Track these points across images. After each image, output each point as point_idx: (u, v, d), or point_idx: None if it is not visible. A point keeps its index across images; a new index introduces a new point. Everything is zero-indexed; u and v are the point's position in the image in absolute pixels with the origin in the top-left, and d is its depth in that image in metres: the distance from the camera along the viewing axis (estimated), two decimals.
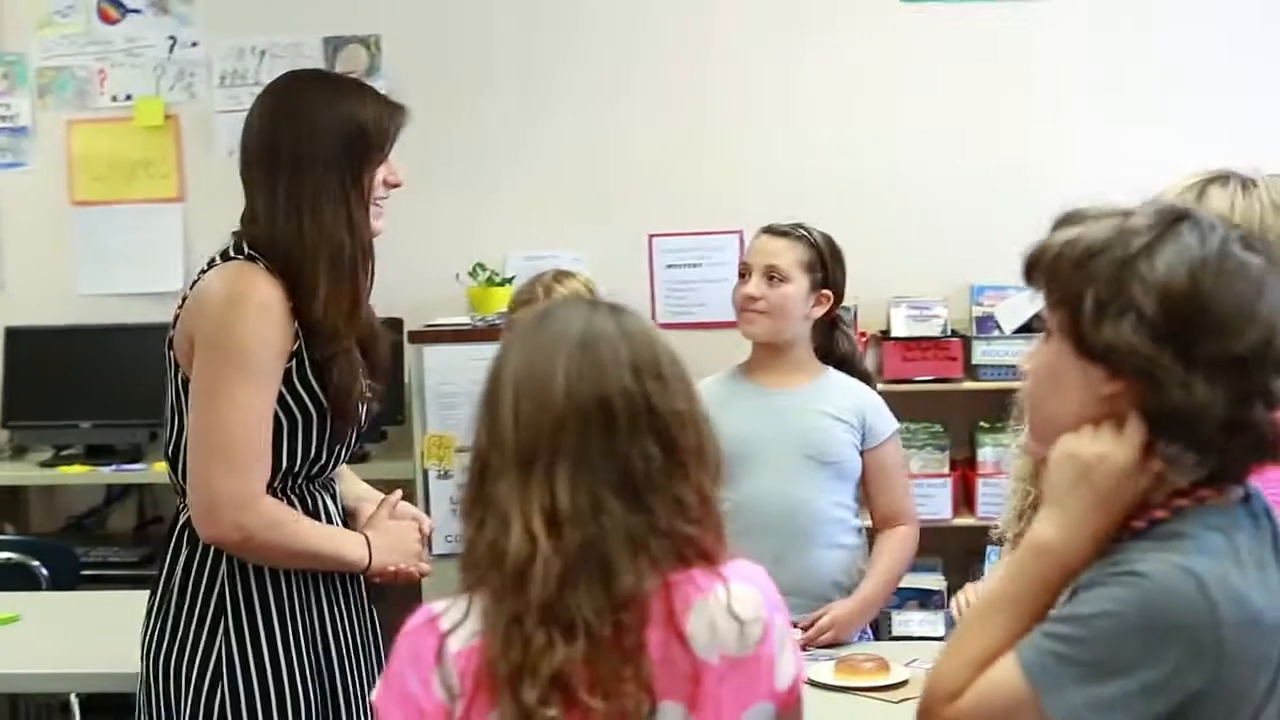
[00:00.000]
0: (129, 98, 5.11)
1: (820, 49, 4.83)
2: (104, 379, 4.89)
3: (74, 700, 4.27)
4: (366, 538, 2.57)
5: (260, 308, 2.44)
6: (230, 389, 2.40)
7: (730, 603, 1.64)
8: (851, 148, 4.80)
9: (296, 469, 2.50)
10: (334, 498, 2.62)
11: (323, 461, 2.53)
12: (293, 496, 2.52)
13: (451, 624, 1.61)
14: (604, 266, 4.45)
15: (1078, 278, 1.57)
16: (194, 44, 5.09)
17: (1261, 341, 1.53)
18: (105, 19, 5.12)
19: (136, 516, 5.05)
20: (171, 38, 5.09)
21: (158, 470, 4.73)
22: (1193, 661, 1.50)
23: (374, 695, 1.66)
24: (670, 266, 4.78)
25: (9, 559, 4.19)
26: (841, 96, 4.82)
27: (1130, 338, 1.53)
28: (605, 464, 1.62)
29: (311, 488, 2.56)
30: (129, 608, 3.67)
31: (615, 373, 1.65)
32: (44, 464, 4.86)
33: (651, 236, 4.80)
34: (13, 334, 4.95)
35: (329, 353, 2.48)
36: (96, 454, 4.84)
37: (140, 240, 5.11)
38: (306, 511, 2.53)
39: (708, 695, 1.62)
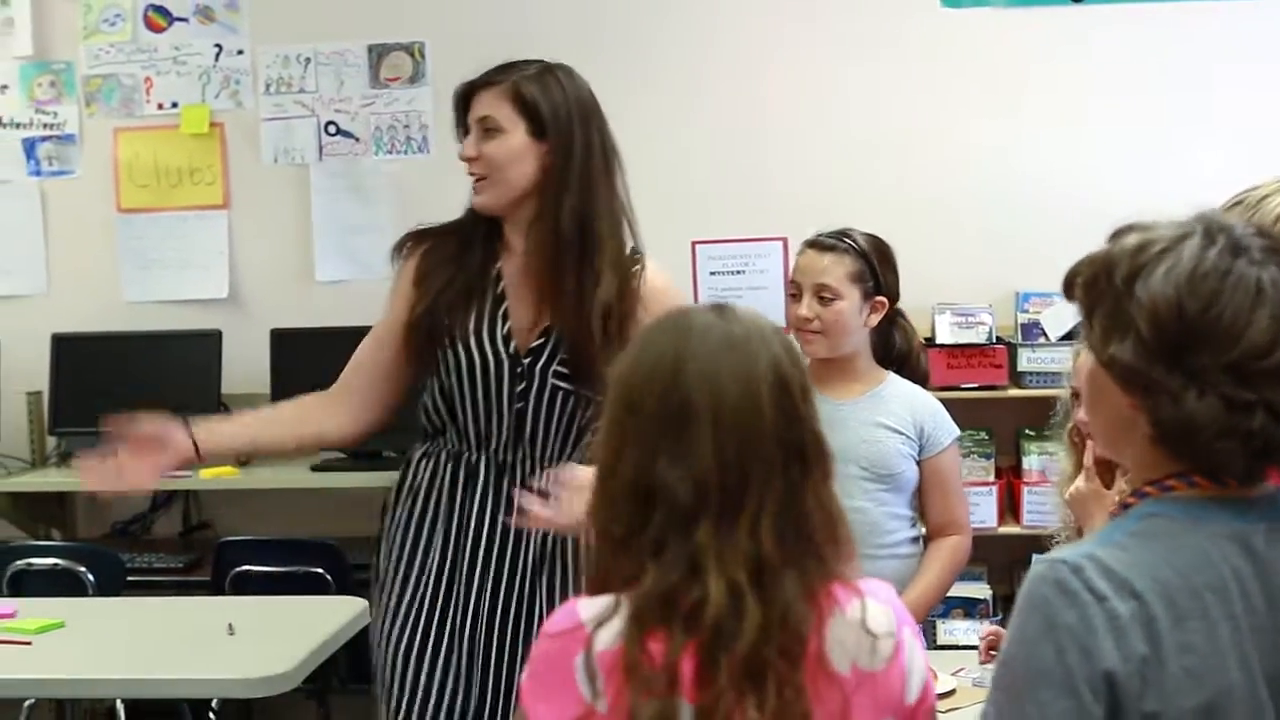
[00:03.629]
0: (175, 105, 5.13)
1: (865, 54, 4.81)
2: (150, 386, 4.90)
3: (120, 706, 4.30)
4: None
5: None
6: None
7: (865, 618, 1.63)
8: (896, 154, 4.78)
9: None
10: None
11: None
12: None
13: (597, 624, 1.60)
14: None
15: (1091, 296, 1.60)
16: (239, 52, 5.11)
17: (1257, 350, 1.52)
18: (152, 27, 5.14)
19: (182, 523, 5.07)
20: (217, 45, 5.11)
21: (203, 477, 4.74)
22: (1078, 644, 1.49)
23: (521, 692, 1.65)
24: (714, 274, 4.76)
25: (56, 565, 4.22)
26: (886, 102, 4.79)
27: (1128, 356, 1.55)
28: (795, 503, 1.63)
29: None
30: (174, 614, 3.72)
31: (799, 404, 1.66)
32: None
33: (695, 243, 4.79)
34: (60, 340, 4.97)
35: None
36: None
37: (185, 247, 5.13)
38: None
39: (841, 708, 1.61)
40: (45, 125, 5.18)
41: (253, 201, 5.10)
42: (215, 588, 4.23)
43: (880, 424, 3.15)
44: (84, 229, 5.17)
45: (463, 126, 2.83)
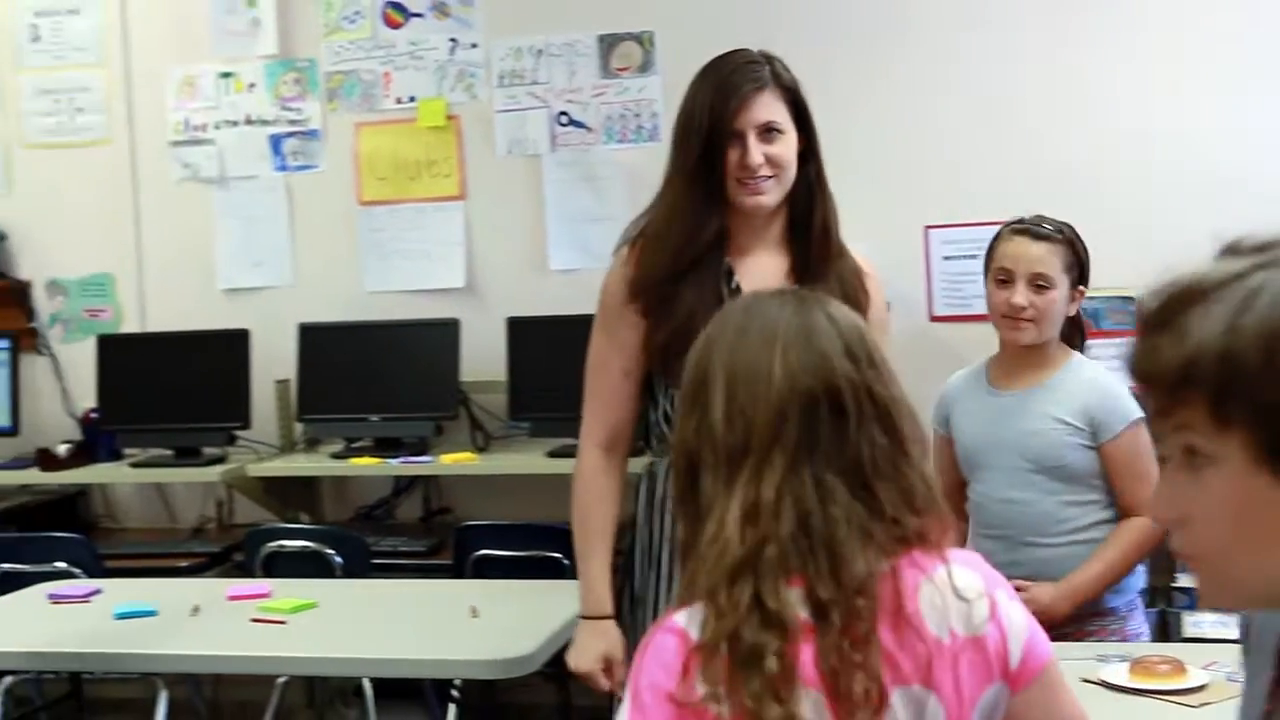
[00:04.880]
0: (412, 99, 5.25)
1: (1097, 40, 4.71)
2: (391, 374, 5.04)
3: (367, 684, 4.43)
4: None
5: None
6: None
7: (953, 583, 1.62)
8: (1127, 141, 4.67)
9: None
10: None
11: None
12: None
13: (699, 628, 1.58)
14: (879, 258, 4.41)
15: (1271, 376, 1.12)
16: (473, 45, 5.21)
17: None
18: (389, 24, 5.28)
19: (423, 507, 5.20)
20: (452, 40, 5.22)
21: (444, 462, 4.88)
22: None
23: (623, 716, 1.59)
24: (948, 258, 4.71)
25: (305, 547, 4.36)
26: (1116, 90, 4.69)
27: None
28: (835, 453, 1.60)
29: None
30: (419, 596, 3.82)
31: (836, 361, 1.63)
32: (335, 455, 5.03)
33: (927, 228, 4.74)
34: (306, 330, 5.14)
35: None
36: (385, 446, 4.99)
37: (424, 238, 5.26)
38: None
39: (945, 674, 1.59)
40: (290, 121, 5.35)
41: (488, 192, 5.20)
42: (456, 571, 4.33)
43: (1048, 415, 3.10)
44: (327, 221, 5.33)
45: (707, 134, 2.70)
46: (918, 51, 4.84)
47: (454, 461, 4.87)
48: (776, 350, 1.63)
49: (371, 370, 5.05)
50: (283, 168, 5.36)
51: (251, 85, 5.37)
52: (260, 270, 5.35)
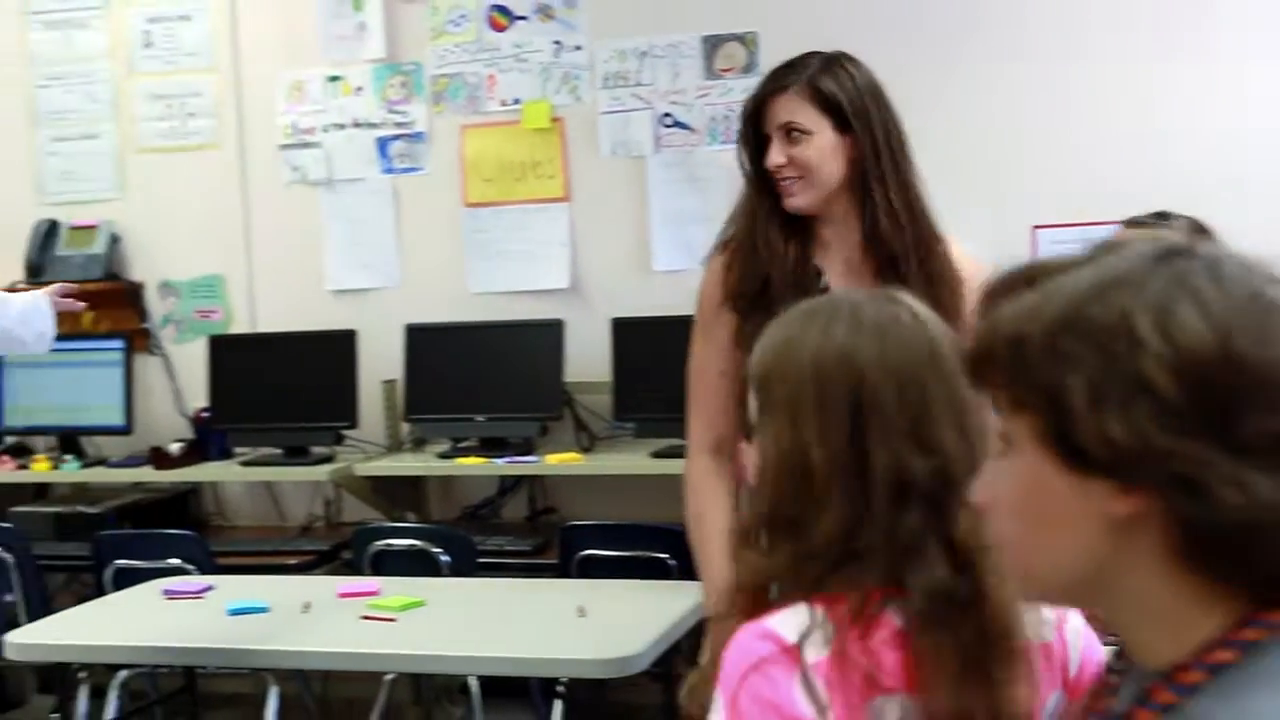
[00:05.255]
0: (516, 102, 5.29)
1: (1218, 38, 4.64)
2: (496, 374, 5.07)
3: (473, 682, 4.47)
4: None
5: None
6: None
7: None
8: (1242, 140, 4.61)
9: None
10: None
11: None
12: None
13: (800, 635, 1.52)
14: (985, 258, 4.38)
15: (1052, 362, 1.12)
16: (578, 48, 5.23)
17: None
18: (494, 27, 5.31)
19: (528, 507, 5.23)
20: (557, 42, 5.24)
21: (549, 462, 4.90)
22: None
23: None
24: None
25: (412, 545, 4.41)
26: (1242, 88, 4.62)
27: (1146, 430, 1.09)
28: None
29: None
30: (526, 595, 3.85)
31: (952, 362, 1.58)
32: (442, 455, 5.07)
33: (1035, 228, 4.70)
34: (412, 331, 5.19)
35: None
36: (490, 446, 5.03)
37: (528, 239, 5.29)
38: None
39: (1033, 679, 1.57)
40: (397, 124, 5.41)
41: (592, 193, 5.23)
42: (561, 571, 4.35)
43: None
44: (433, 223, 5.38)
45: (750, 138, 2.79)
46: (1030, 49, 4.79)
47: (559, 461, 4.89)
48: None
49: (477, 371, 5.09)
50: (389, 170, 5.42)
51: (359, 89, 5.43)
52: (367, 271, 5.41)
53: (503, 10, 5.30)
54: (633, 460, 4.81)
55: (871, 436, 1.56)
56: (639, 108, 5.18)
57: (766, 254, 2.74)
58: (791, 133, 2.71)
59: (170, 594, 3.88)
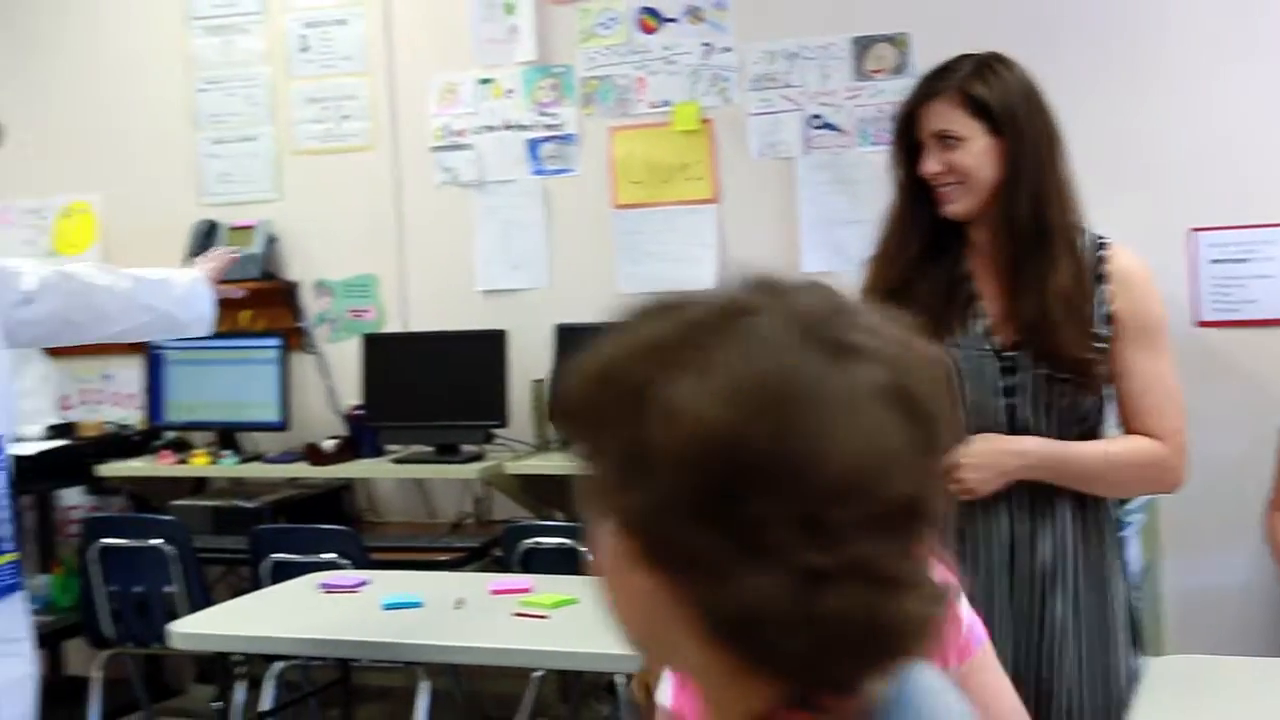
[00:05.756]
0: (666, 104, 5.31)
1: None
2: None
3: (621, 680, 4.49)
4: None
5: None
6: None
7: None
8: None
9: None
10: None
11: None
12: None
13: None
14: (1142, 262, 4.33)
15: (589, 421, 1.06)
16: (727, 49, 5.24)
17: (839, 488, 0.99)
18: (644, 29, 5.34)
19: None
20: (706, 44, 5.26)
21: None
22: None
23: None
24: (1215, 261, 4.59)
25: (562, 544, 4.45)
26: None
27: (649, 509, 1.01)
28: None
29: None
30: None
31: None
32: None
33: (1193, 230, 4.62)
34: (562, 331, 5.23)
35: None
36: None
37: (677, 241, 5.31)
38: None
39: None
40: (547, 126, 5.46)
41: (740, 195, 5.24)
42: None
43: None
44: (582, 224, 5.43)
45: (904, 144, 2.74)
46: (1186, 47, 4.72)
47: None
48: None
49: None
50: (539, 171, 5.47)
51: (510, 91, 5.49)
52: (518, 272, 5.47)
53: (652, 13, 5.32)
54: None
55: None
56: (788, 109, 5.17)
57: (913, 261, 2.71)
58: (946, 139, 2.68)
59: (327, 588, 3.96)
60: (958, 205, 2.72)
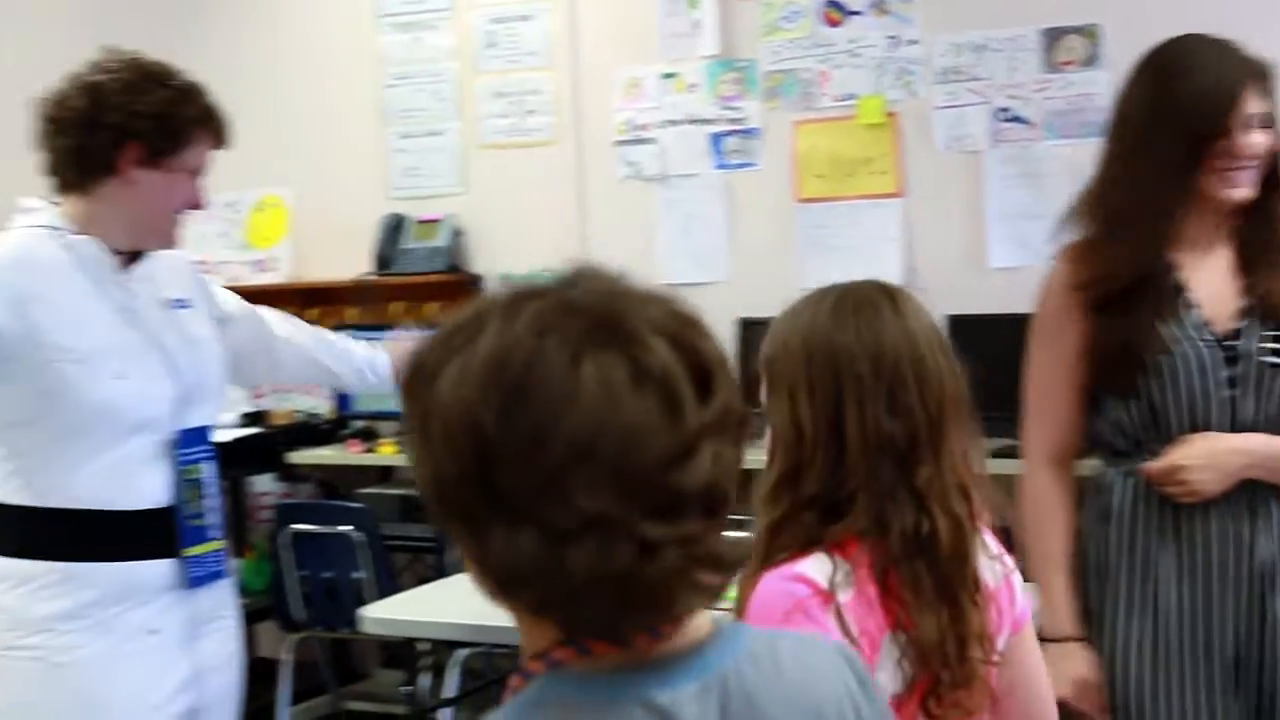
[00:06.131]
0: (850, 97, 5.29)
1: None
2: None
3: None
4: None
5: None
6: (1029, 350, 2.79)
7: (986, 543, 1.92)
8: None
9: None
10: None
11: None
12: None
13: (829, 580, 1.79)
14: None
15: (403, 401, 1.24)
16: (912, 42, 5.20)
17: (570, 457, 1.14)
18: (829, 22, 5.32)
19: None
20: (891, 37, 5.22)
21: None
22: None
23: None
24: None
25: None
26: None
27: (431, 477, 1.20)
28: (963, 448, 1.88)
29: None
30: None
31: (956, 367, 1.91)
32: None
33: None
34: (745, 325, 5.23)
35: None
36: None
37: (860, 235, 5.28)
38: None
39: (994, 617, 1.90)
40: (730, 120, 5.47)
41: (926, 189, 5.19)
42: None
43: None
44: (765, 218, 5.42)
45: (1218, 125, 2.61)
46: None
47: None
48: (940, 354, 1.89)
49: None
50: (722, 166, 5.48)
51: (693, 85, 5.51)
52: (699, 266, 5.48)
53: (837, 6, 5.30)
54: None
55: (849, 405, 1.83)
56: (975, 102, 5.11)
57: (1150, 249, 2.64)
58: (1264, 120, 2.64)
59: None
60: (1249, 189, 2.66)
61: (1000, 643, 1.91)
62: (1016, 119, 5.06)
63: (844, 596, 1.78)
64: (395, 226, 5.85)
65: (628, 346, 1.17)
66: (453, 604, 3.93)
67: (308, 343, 3.23)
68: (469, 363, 1.17)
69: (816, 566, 1.80)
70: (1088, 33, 4.97)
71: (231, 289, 3.21)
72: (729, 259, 5.46)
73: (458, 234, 5.82)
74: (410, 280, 5.79)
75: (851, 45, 5.29)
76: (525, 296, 1.21)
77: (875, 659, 1.77)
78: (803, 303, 1.94)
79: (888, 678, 1.78)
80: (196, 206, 2.82)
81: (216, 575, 2.88)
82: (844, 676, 1.35)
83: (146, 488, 2.74)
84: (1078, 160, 4.87)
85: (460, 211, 5.84)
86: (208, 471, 2.87)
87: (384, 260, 5.83)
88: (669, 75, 5.54)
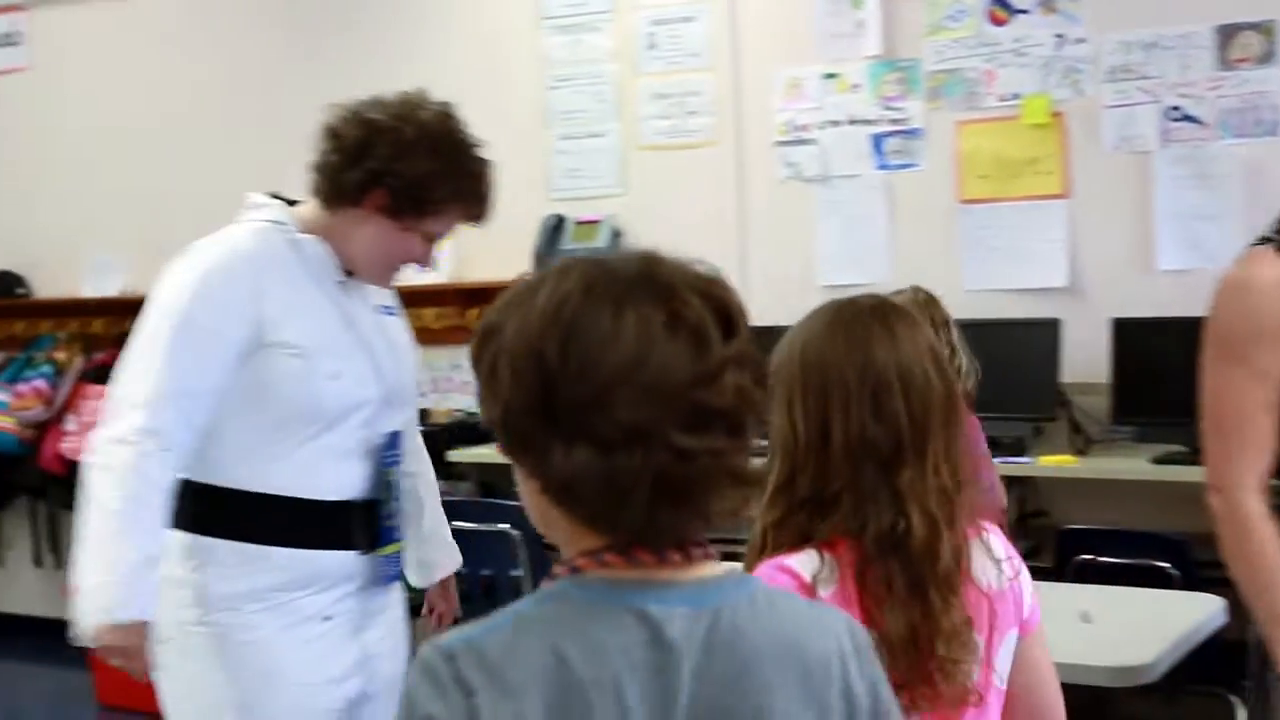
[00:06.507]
0: (1015, 97, 5.20)
1: None
2: (989, 373, 4.97)
3: None
4: None
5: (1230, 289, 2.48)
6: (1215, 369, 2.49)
7: (989, 547, 2.00)
8: None
9: None
10: None
11: None
12: None
13: (813, 575, 1.90)
14: None
15: (474, 364, 1.50)
16: (1080, 41, 5.10)
17: (613, 380, 1.39)
18: (994, 21, 5.24)
19: (1017, 508, 5.13)
20: (1058, 35, 5.13)
21: (1042, 464, 4.81)
22: None
23: None
24: None
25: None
26: None
27: (500, 412, 1.45)
28: (951, 451, 1.95)
29: None
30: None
31: (949, 373, 2.01)
32: None
33: None
34: None
35: None
36: None
37: (1024, 237, 5.20)
38: None
39: (989, 618, 1.96)
40: (892, 121, 5.41)
41: (1092, 190, 5.09)
42: (1057, 575, 4.25)
43: None
44: (926, 220, 5.36)
45: None
46: None
47: (1052, 463, 4.79)
48: (928, 362, 1.97)
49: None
50: (883, 166, 5.43)
51: (855, 86, 5.46)
52: (859, 268, 5.43)
53: (1003, 4, 5.22)
54: (1132, 465, 4.66)
55: (834, 410, 1.93)
56: (1145, 101, 5.01)
57: None
58: None
59: None
60: None
61: (1005, 644, 1.99)
62: (1188, 118, 4.94)
63: (825, 591, 1.89)
64: (555, 227, 5.88)
65: (665, 299, 1.41)
66: None
67: (422, 480, 3.21)
68: (528, 314, 1.42)
69: (804, 561, 1.91)
70: (1264, 29, 4.85)
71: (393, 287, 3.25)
72: (889, 261, 5.40)
73: (617, 235, 5.83)
74: None
75: (1017, 44, 5.20)
76: (574, 264, 1.46)
77: None
78: (807, 316, 2.06)
79: None
80: (420, 264, 2.89)
81: (398, 576, 2.97)
82: (840, 639, 1.49)
83: (337, 481, 2.81)
84: (1253, 160, 4.78)
85: (619, 212, 5.86)
86: (398, 475, 2.94)
87: (543, 261, 5.86)
88: (830, 75, 5.50)
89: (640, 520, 1.41)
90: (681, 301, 1.41)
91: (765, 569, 1.91)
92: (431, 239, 2.86)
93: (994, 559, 1.99)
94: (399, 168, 2.76)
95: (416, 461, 3.18)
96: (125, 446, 2.62)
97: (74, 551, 2.69)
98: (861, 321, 1.99)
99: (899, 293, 3.60)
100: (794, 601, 1.57)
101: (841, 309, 2.03)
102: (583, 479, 1.39)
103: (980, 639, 1.94)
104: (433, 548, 3.21)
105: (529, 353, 1.40)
